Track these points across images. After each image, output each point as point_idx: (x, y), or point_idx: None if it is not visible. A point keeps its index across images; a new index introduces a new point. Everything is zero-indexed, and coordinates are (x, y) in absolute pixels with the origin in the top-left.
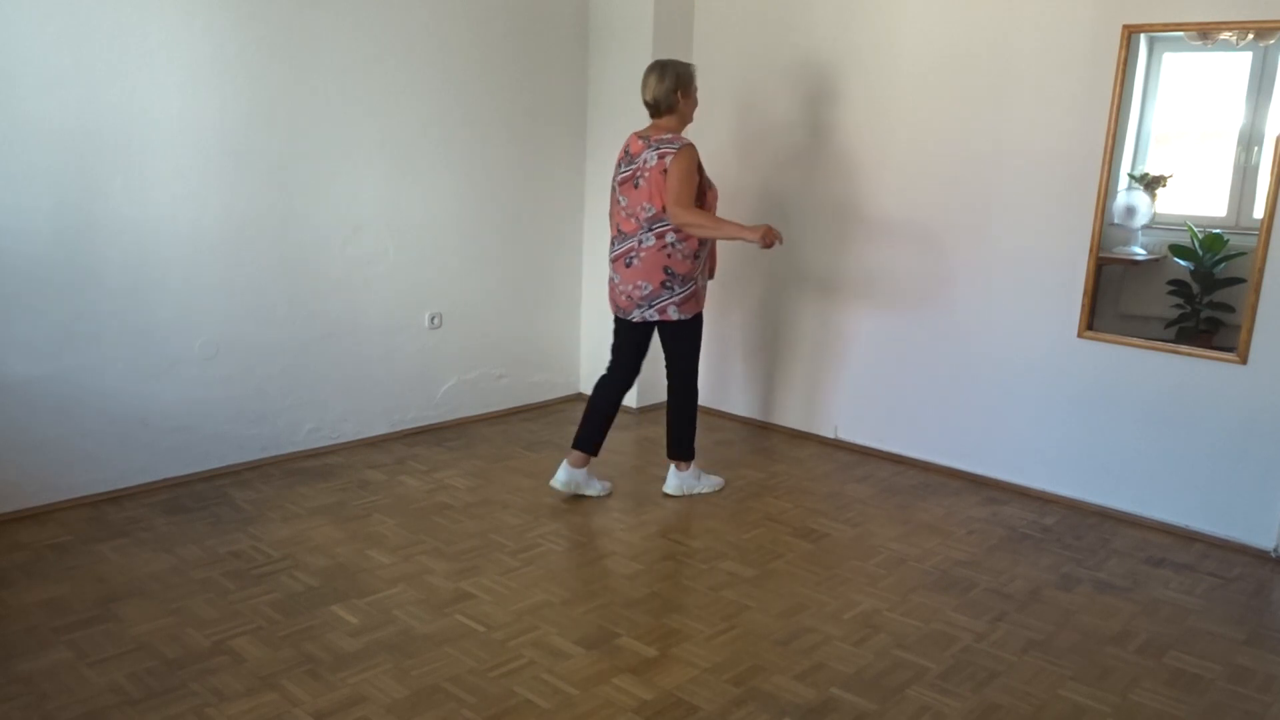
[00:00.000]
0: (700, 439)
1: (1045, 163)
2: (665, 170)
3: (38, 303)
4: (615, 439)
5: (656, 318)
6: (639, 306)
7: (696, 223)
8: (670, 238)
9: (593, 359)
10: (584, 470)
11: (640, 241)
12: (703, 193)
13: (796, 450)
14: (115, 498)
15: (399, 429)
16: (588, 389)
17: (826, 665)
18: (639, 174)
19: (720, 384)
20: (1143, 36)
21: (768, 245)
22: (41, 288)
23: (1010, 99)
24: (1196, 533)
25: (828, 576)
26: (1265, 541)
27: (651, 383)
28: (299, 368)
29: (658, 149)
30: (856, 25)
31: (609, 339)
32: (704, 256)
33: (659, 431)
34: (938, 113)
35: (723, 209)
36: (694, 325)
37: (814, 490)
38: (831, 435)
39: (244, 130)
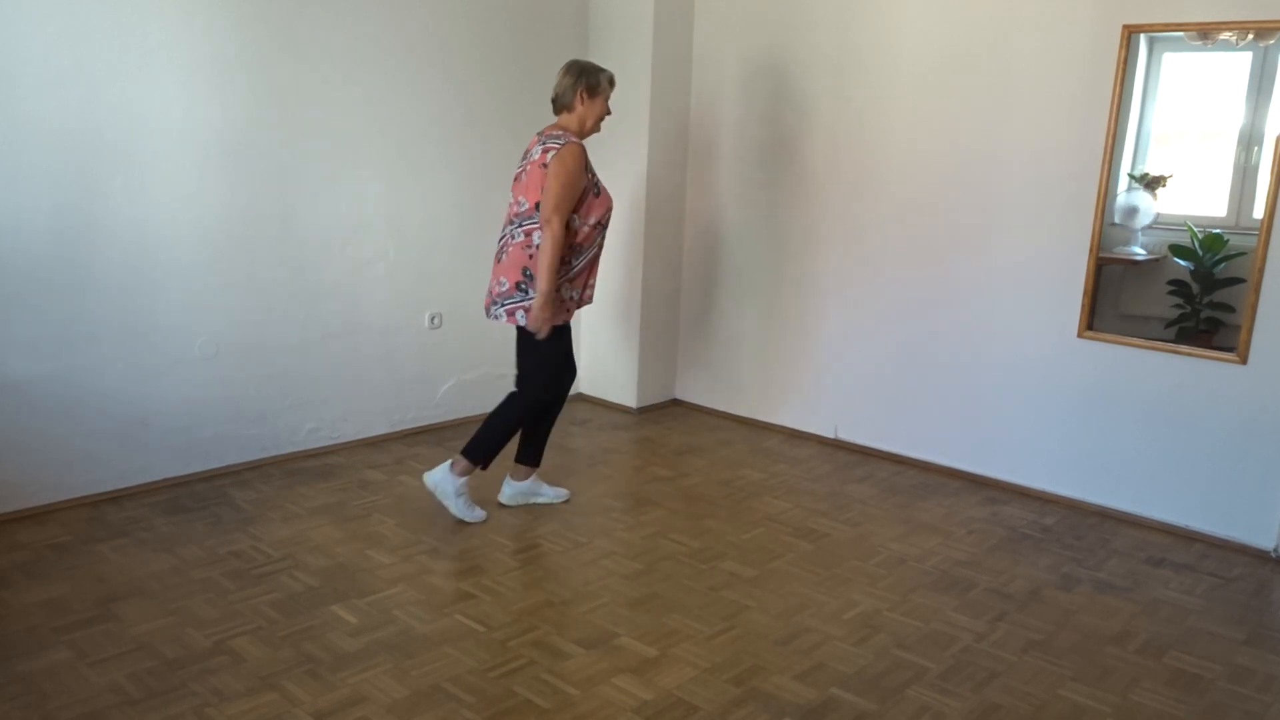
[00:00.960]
0: (701, 438)
1: (1045, 163)
2: (545, 165)
3: (38, 303)
4: (615, 439)
5: (504, 320)
6: (494, 304)
7: (548, 244)
8: (537, 238)
9: (592, 359)
10: (528, 481)
11: (511, 236)
12: (587, 197)
13: (796, 450)
14: (115, 498)
15: (399, 429)
16: (587, 389)
17: (826, 665)
18: (524, 169)
19: (720, 384)
20: (1143, 36)
21: (544, 326)
22: (42, 288)
23: (1010, 99)
24: (1196, 533)
25: (828, 576)
26: (1265, 541)
27: (655, 383)
28: (299, 368)
29: (544, 143)
30: (857, 26)
31: (606, 340)
32: (578, 267)
33: (659, 431)
34: (938, 113)
35: (727, 207)
36: (543, 339)
37: (814, 490)
38: (831, 435)
39: (244, 131)
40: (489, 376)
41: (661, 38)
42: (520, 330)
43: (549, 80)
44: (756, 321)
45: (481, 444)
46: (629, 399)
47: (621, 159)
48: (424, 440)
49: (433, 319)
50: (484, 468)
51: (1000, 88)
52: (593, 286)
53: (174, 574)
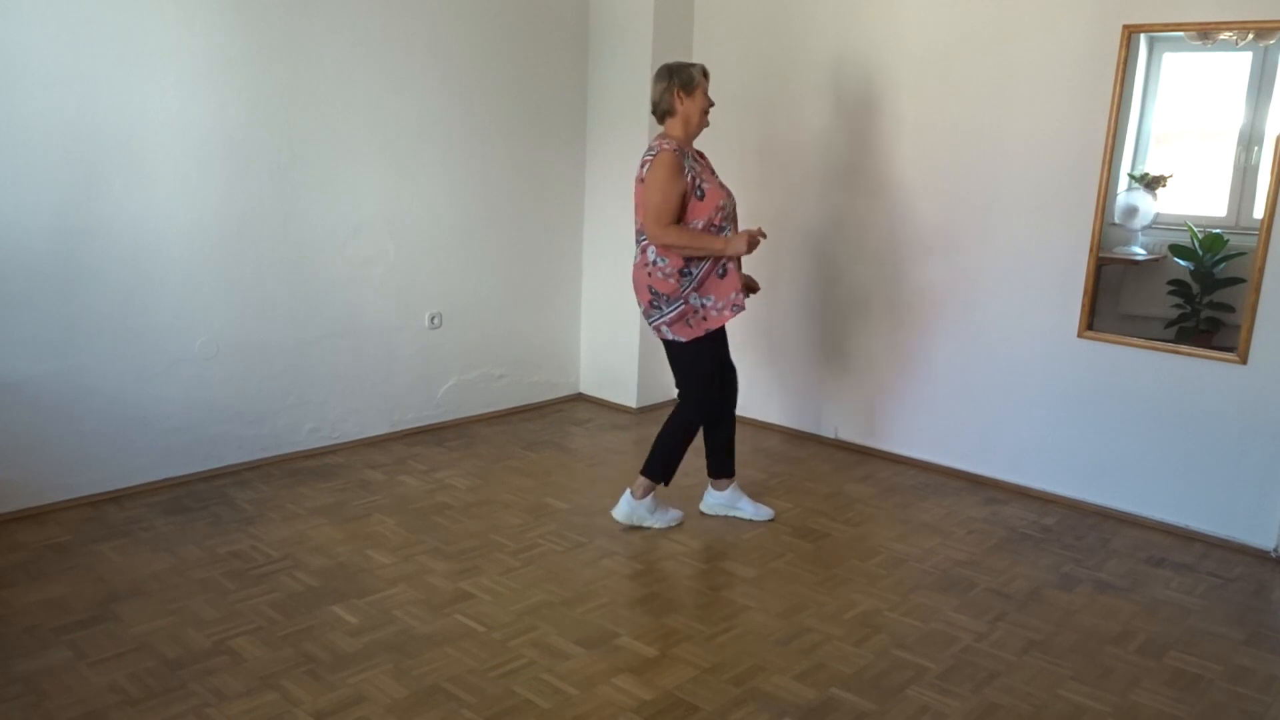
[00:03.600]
0: (701, 438)
1: (1045, 162)
2: (643, 179)
3: (38, 302)
4: (615, 439)
5: (658, 334)
6: (646, 316)
7: (676, 242)
8: (651, 254)
9: (593, 359)
10: (727, 493)
11: (634, 257)
12: (690, 202)
13: (796, 450)
14: (115, 498)
15: (399, 429)
16: (588, 389)
17: (826, 665)
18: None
19: None
20: (1143, 36)
21: (752, 248)
22: (42, 287)
23: (1010, 99)
24: (1196, 533)
25: (828, 576)
26: (1265, 541)
27: (656, 383)
28: (299, 368)
29: (643, 156)
30: (857, 26)
31: (609, 339)
32: (697, 275)
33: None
34: (938, 113)
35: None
36: (691, 349)
37: (814, 490)
38: (831, 435)
39: (244, 130)
40: (489, 376)
41: (661, 38)
42: (669, 345)
43: (549, 80)
44: (756, 321)
45: (655, 460)
46: (629, 399)
47: (621, 159)
48: (424, 440)
49: (433, 319)
50: (666, 483)
51: (1000, 88)
52: (731, 297)
53: (174, 574)
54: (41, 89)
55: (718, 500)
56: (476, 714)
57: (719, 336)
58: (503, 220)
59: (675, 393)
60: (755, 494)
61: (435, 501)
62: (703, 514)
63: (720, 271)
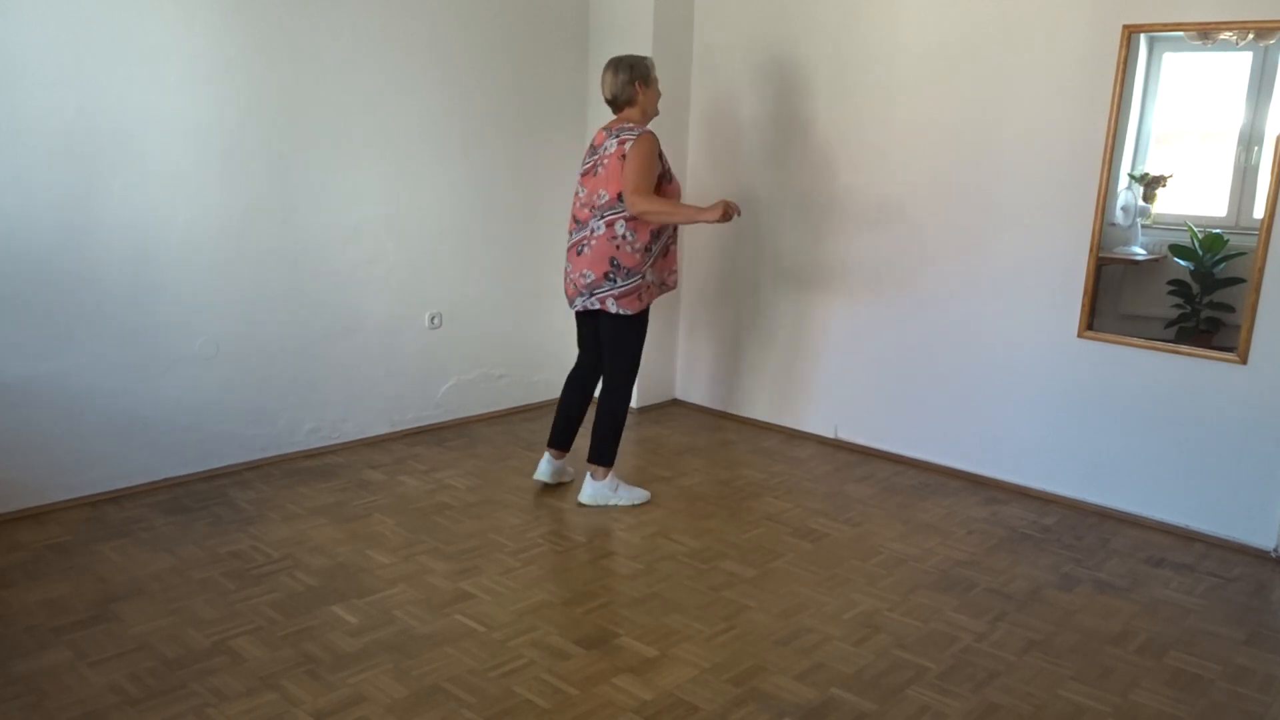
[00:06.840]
0: (702, 439)
1: (1045, 162)
2: (623, 156)
3: (38, 302)
4: None
5: (596, 306)
6: (580, 294)
7: (654, 209)
8: (620, 228)
9: None
10: (561, 462)
11: (592, 230)
12: (661, 184)
13: (796, 450)
14: (115, 498)
15: (399, 429)
16: None
17: (826, 665)
18: (599, 162)
19: (720, 384)
20: (1143, 36)
21: (727, 219)
22: (42, 287)
23: (1010, 99)
24: (1196, 533)
25: (828, 576)
26: (1265, 541)
27: (655, 383)
28: (299, 368)
29: (618, 136)
30: (857, 25)
31: None
32: (655, 252)
33: (659, 432)
34: (938, 112)
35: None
36: (634, 324)
37: (814, 490)
38: (831, 435)
39: (244, 130)
40: (489, 376)
41: (661, 37)
42: (609, 320)
43: (549, 80)
44: (756, 322)
45: (602, 446)
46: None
47: None
48: (424, 440)
49: (433, 319)
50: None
51: (1000, 88)
52: (675, 273)
53: (174, 574)
54: (41, 89)
55: (558, 468)
56: (476, 714)
57: (648, 315)
58: (503, 220)
59: (674, 392)
60: (755, 494)
61: (435, 501)
62: (582, 505)
63: (664, 251)
